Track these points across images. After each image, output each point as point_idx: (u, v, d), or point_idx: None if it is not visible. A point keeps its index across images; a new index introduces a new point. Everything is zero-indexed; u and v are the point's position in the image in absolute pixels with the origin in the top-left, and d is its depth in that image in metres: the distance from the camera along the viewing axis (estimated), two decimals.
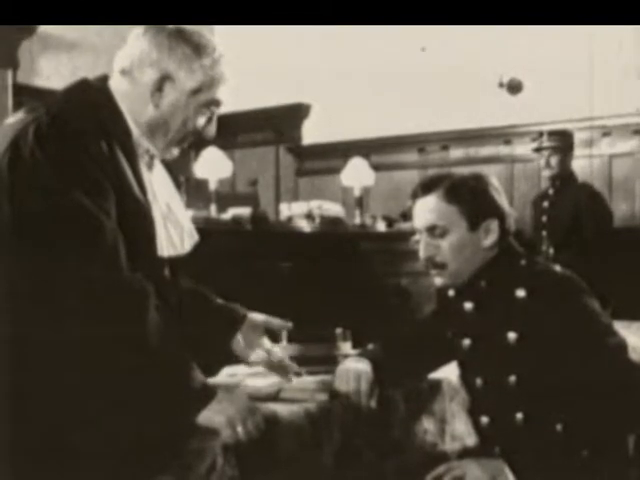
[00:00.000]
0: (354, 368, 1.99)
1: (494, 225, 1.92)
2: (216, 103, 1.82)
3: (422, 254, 1.94)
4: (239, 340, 2.05)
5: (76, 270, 1.57)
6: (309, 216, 4.29)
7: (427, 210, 1.93)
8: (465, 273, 1.94)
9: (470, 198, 1.91)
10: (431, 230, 1.92)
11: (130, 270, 1.66)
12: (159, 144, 1.81)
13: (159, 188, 1.86)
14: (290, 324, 2.11)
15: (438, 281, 1.96)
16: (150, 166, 1.84)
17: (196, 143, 1.89)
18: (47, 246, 1.57)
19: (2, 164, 1.60)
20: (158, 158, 1.86)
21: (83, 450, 1.60)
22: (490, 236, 1.92)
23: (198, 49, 1.76)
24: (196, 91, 1.77)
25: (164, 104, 1.77)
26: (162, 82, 1.75)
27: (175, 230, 1.88)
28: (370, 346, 2.14)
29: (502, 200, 1.95)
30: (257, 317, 2.07)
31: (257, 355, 2.07)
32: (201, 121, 1.82)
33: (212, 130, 1.85)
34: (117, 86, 1.78)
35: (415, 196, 1.96)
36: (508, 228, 1.95)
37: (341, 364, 2.04)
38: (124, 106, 1.77)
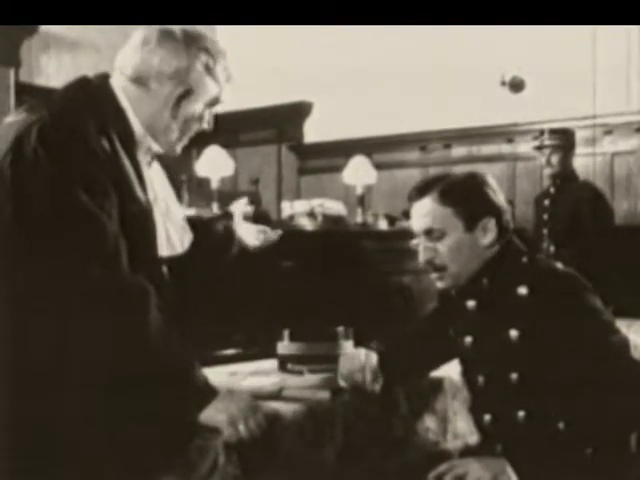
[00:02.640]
0: (360, 350, 2.06)
1: (491, 224, 1.92)
2: (219, 102, 1.84)
3: (421, 258, 1.95)
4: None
5: (77, 270, 1.58)
6: (311, 214, 4.28)
7: (423, 214, 1.93)
8: (466, 274, 1.94)
9: (464, 199, 1.91)
10: (428, 234, 1.92)
11: (131, 270, 1.66)
12: (161, 143, 1.81)
13: (157, 186, 1.87)
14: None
15: (440, 284, 1.96)
16: (149, 165, 1.85)
17: (197, 142, 1.89)
18: (49, 246, 1.58)
19: (5, 164, 1.60)
20: (159, 154, 1.86)
21: (85, 450, 1.60)
22: (488, 235, 1.92)
23: (215, 58, 1.79)
24: (213, 102, 1.82)
25: (181, 114, 1.79)
26: (184, 96, 1.77)
27: (174, 229, 1.88)
28: (373, 344, 2.15)
29: (498, 198, 1.95)
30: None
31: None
32: (205, 118, 1.84)
33: (210, 121, 1.86)
34: (122, 86, 1.78)
35: (411, 199, 1.96)
36: (506, 225, 1.94)
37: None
38: (131, 107, 1.77)
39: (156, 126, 1.78)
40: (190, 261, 1.98)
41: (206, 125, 1.85)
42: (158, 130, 1.79)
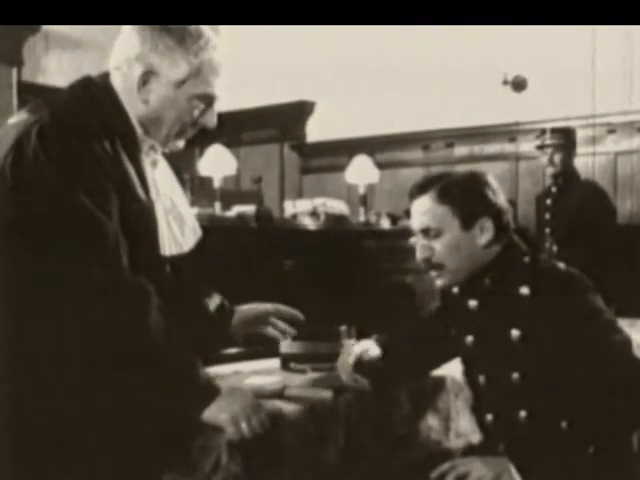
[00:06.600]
0: (358, 343, 2.10)
1: (488, 224, 1.92)
2: (210, 95, 1.77)
3: (418, 255, 1.95)
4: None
5: (77, 271, 1.57)
6: (313, 214, 4.29)
7: (421, 212, 1.94)
8: (464, 272, 1.94)
9: (461, 198, 1.91)
10: (425, 232, 1.93)
11: (132, 270, 1.66)
12: (157, 139, 1.79)
13: (163, 184, 1.86)
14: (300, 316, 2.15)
15: (439, 282, 1.97)
16: (155, 163, 1.84)
17: (200, 139, 1.88)
18: (49, 247, 1.57)
19: (5, 165, 1.60)
20: (162, 150, 1.84)
21: (88, 449, 1.61)
22: (484, 235, 1.92)
23: (182, 39, 1.73)
24: (182, 82, 1.73)
25: (152, 100, 1.74)
26: (146, 77, 1.73)
27: (177, 226, 1.88)
28: (375, 337, 2.16)
29: (497, 198, 1.95)
30: (254, 309, 2.12)
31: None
32: (197, 113, 1.78)
33: (212, 120, 1.81)
34: (115, 82, 1.78)
35: (411, 197, 1.97)
36: (505, 226, 1.94)
37: None
38: (125, 102, 1.77)
39: (142, 121, 1.76)
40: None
41: (209, 124, 1.82)
42: (146, 127, 1.77)
